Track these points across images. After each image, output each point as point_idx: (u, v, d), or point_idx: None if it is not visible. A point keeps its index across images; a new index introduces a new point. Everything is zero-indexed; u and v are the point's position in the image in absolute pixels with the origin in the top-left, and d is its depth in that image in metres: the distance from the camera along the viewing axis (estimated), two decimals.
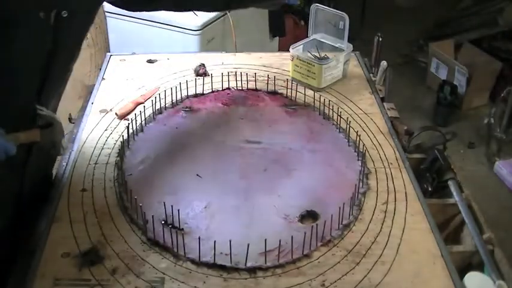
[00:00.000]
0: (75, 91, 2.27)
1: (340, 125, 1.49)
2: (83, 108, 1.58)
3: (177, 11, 1.51)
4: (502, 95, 2.97)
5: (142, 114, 1.49)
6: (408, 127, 1.54)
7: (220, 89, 1.66)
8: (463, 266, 1.19)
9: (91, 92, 1.64)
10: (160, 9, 1.47)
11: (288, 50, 1.70)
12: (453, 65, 3.40)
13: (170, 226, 1.15)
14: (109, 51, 1.83)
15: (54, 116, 1.16)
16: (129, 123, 1.44)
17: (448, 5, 4.07)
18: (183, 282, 1.04)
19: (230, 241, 1.09)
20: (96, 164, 1.34)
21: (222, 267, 1.07)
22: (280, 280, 1.06)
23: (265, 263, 1.08)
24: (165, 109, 1.55)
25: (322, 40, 1.75)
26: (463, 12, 3.91)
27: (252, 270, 1.07)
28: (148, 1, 1.37)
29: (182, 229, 1.14)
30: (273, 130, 1.49)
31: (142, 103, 1.57)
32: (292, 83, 1.66)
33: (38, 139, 1.13)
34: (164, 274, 1.06)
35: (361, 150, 1.38)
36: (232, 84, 1.67)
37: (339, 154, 1.40)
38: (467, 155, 3.04)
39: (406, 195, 1.27)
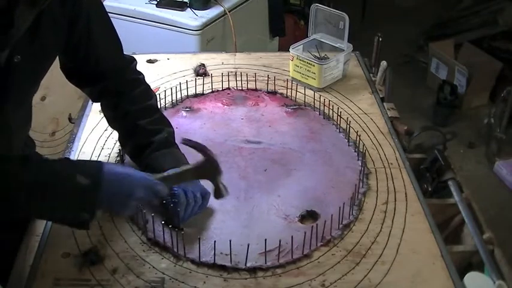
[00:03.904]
0: (75, 91, 2.26)
1: (340, 125, 1.49)
2: (83, 108, 1.58)
3: None
4: (502, 95, 2.96)
5: None
6: (408, 127, 1.54)
7: (220, 89, 1.66)
8: (463, 266, 1.19)
9: None
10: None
11: (288, 50, 1.70)
12: (453, 65, 3.40)
13: (170, 226, 1.15)
14: None
15: (208, 149, 1.10)
16: None
17: (448, 5, 4.07)
18: (183, 282, 1.04)
19: (230, 241, 1.09)
20: None
21: (222, 267, 1.07)
22: (280, 280, 1.06)
23: (265, 263, 1.08)
24: (165, 109, 1.55)
25: (322, 40, 1.75)
26: (463, 12, 3.90)
27: (252, 270, 1.07)
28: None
29: (182, 229, 1.14)
30: (273, 130, 1.49)
31: None
32: (292, 83, 1.66)
33: (193, 178, 1.11)
34: (164, 274, 1.06)
35: (361, 150, 1.38)
36: (232, 84, 1.67)
37: (339, 154, 1.40)
38: (467, 155, 3.04)
39: (406, 195, 1.27)
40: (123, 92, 1.25)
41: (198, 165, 1.11)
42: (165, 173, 1.09)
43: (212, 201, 1.22)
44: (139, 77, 1.31)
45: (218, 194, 1.13)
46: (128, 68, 1.29)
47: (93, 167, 0.99)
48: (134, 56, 1.33)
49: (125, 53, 1.29)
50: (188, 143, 1.12)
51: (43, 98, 2.08)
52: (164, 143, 1.23)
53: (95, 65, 1.21)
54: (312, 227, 1.14)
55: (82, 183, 0.95)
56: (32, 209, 0.97)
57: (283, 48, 2.85)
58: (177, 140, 1.28)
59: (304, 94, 1.60)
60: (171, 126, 1.29)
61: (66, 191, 0.95)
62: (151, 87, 1.61)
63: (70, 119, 1.59)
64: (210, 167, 1.11)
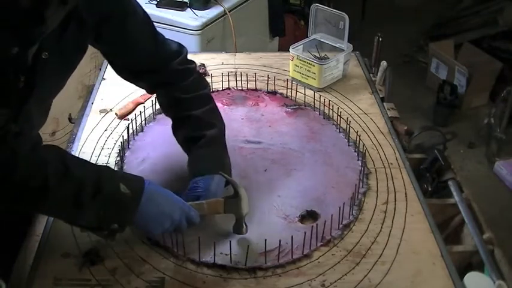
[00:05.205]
0: (75, 91, 2.26)
1: (340, 125, 1.49)
2: (83, 108, 1.58)
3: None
4: (502, 95, 2.96)
5: (142, 114, 1.49)
6: (408, 127, 1.54)
7: (220, 89, 1.66)
8: (463, 266, 1.19)
9: (91, 92, 1.64)
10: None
11: (288, 50, 1.70)
12: (453, 65, 3.39)
13: None
14: None
15: (240, 186, 1.12)
16: (129, 123, 1.44)
17: (448, 5, 4.07)
18: (183, 282, 1.04)
19: (230, 241, 1.09)
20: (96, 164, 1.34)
21: (222, 267, 1.07)
22: (280, 280, 1.06)
23: (265, 263, 1.08)
24: None
25: (322, 40, 1.75)
26: (463, 12, 3.90)
27: (252, 270, 1.07)
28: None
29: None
30: (273, 130, 1.49)
31: (142, 103, 1.57)
32: (292, 83, 1.66)
33: (222, 211, 1.12)
34: (164, 274, 1.06)
35: (361, 150, 1.38)
36: (232, 84, 1.67)
37: (339, 154, 1.40)
38: (467, 155, 3.04)
39: (406, 195, 1.27)
40: (173, 82, 1.25)
41: (228, 199, 1.12)
42: (198, 201, 1.10)
43: None
44: (189, 67, 1.29)
45: (237, 230, 1.13)
46: (174, 59, 1.26)
47: (136, 181, 1.01)
48: None
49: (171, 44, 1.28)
50: (224, 177, 1.14)
51: None
52: (213, 139, 1.21)
53: (139, 61, 1.22)
54: (312, 227, 1.14)
55: (125, 193, 0.96)
56: (62, 207, 0.96)
57: (283, 48, 2.85)
58: None
59: (304, 94, 1.60)
60: (222, 120, 1.28)
61: (108, 196, 0.96)
62: None
63: (70, 119, 1.59)
64: (238, 204, 1.12)
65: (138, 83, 1.32)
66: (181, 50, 1.29)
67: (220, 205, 1.12)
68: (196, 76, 1.30)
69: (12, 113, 0.99)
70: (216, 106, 1.30)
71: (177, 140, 1.28)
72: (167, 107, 1.30)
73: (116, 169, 1.29)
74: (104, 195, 0.95)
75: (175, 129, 1.28)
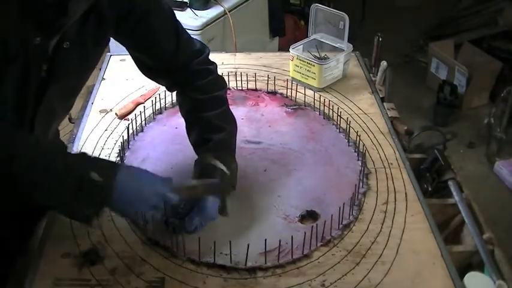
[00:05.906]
0: None
1: (340, 125, 1.49)
2: (83, 108, 1.58)
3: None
4: (502, 95, 2.96)
5: (142, 114, 1.49)
6: (408, 127, 1.54)
7: None
8: (463, 266, 1.19)
9: (91, 92, 1.64)
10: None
11: (288, 50, 1.70)
12: (453, 65, 3.39)
13: (169, 224, 1.14)
14: (109, 51, 1.82)
15: (225, 169, 1.12)
16: (129, 123, 1.44)
17: (448, 5, 4.07)
18: (183, 282, 1.04)
19: (230, 241, 1.09)
20: None
21: (222, 267, 1.07)
22: (280, 280, 1.06)
23: (265, 263, 1.08)
24: (165, 109, 1.55)
25: (322, 40, 1.75)
26: (463, 12, 3.90)
27: (252, 270, 1.07)
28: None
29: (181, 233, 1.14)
30: (273, 130, 1.49)
31: (142, 103, 1.57)
32: (292, 83, 1.66)
33: (199, 195, 1.11)
34: (164, 274, 1.06)
35: (361, 150, 1.38)
36: (232, 84, 1.67)
37: (339, 154, 1.40)
38: (467, 155, 3.04)
39: (406, 195, 1.27)
40: (189, 82, 1.25)
41: (211, 182, 1.11)
42: (181, 183, 1.09)
43: None
44: (209, 67, 1.29)
45: (222, 212, 1.13)
46: (195, 59, 1.26)
47: (108, 167, 1.00)
48: None
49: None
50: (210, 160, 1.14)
51: None
52: (220, 144, 1.21)
53: (159, 60, 1.22)
54: (312, 227, 1.14)
55: (95, 180, 0.95)
56: (36, 193, 0.96)
57: (283, 48, 2.85)
58: (177, 140, 1.27)
59: (304, 94, 1.60)
60: (234, 122, 1.27)
61: (76, 185, 0.94)
62: (151, 87, 1.62)
63: (70, 119, 1.59)
64: (221, 186, 1.12)
65: (158, 80, 1.33)
66: (203, 49, 1.29)
67: (203, 188, 1.10)
68: (215, 77, 1.29)
69: (28, 103, 0.99)
70: (229, 109, 1.29)
71: (189, 140, 1.28)
72: (182, 106, 1.30)
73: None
74: (74, 183, 0.94)
75: (188, 130, 1.28)
